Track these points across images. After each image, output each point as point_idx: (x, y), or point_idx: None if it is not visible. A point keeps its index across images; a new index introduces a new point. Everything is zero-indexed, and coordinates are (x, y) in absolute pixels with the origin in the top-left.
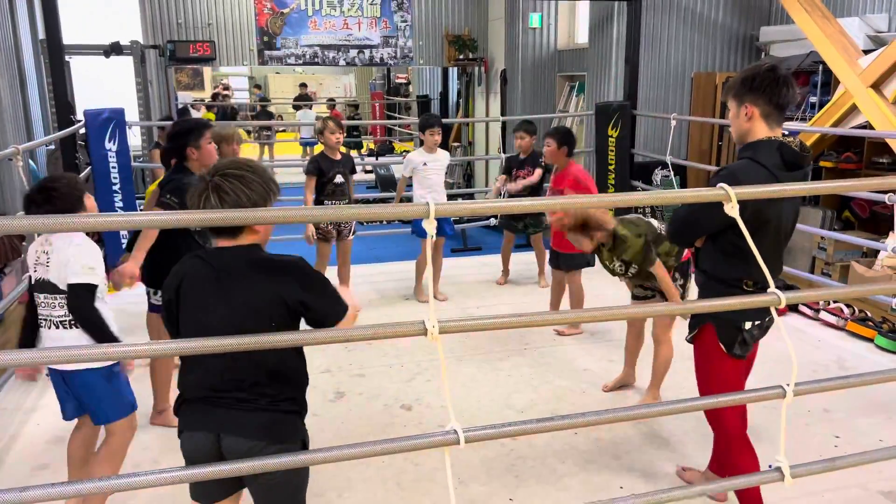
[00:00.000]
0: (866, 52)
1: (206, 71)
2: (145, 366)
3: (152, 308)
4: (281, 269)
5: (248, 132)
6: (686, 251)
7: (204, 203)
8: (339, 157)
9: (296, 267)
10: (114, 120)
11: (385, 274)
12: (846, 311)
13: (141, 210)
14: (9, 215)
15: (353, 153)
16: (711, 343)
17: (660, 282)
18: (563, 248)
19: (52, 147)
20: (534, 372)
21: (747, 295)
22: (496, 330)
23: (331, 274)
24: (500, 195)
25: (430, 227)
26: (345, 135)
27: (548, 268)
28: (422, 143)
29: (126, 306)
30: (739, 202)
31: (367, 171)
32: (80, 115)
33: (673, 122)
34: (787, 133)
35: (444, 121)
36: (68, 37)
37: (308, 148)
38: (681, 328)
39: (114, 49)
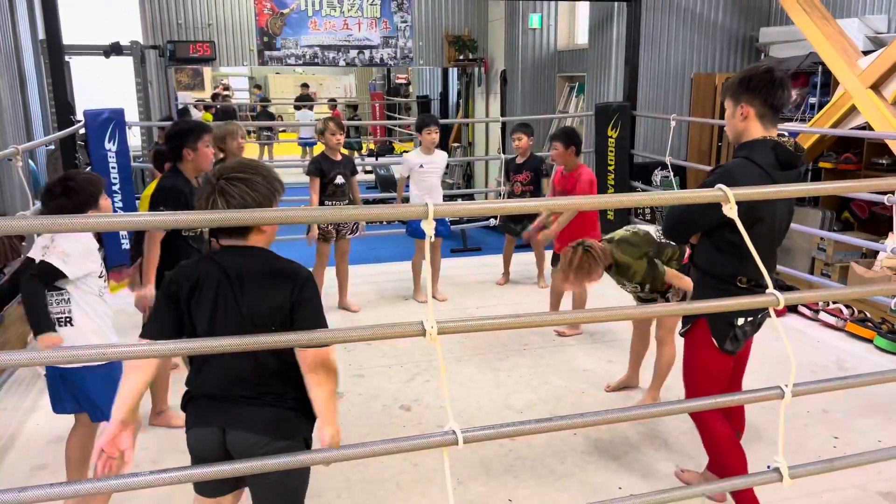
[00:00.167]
0: (866, 53)
1: (207, 71)
2: None
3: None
4: (290, 278)
5: (249, 132)
6: (685, 254)
7: (211, 207)
8: (339, 157)
9: (305, 280)
10: (113, 120)
11: (384, 274)
12: (845, 311)
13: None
14: (8, 216)
15: (354, 154)
16: (703, 337)
17: (676, 286)
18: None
19: (52, 147)
20: (533, 372)
21: (740, 292)
22: (495, 330)
23: (329, 273)
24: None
25: (428, 227)
26: (345, 136)
27: (548, 268)
28: (421, 143)
29: (126, 306)
30: (719, 185)
31: (366, 172)
32: (79, 116)
33: (672, 123)
34: (784, 134)
35: (444, 121)
36: (68, 37)
37: (307, 148)
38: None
39: (114, 49)
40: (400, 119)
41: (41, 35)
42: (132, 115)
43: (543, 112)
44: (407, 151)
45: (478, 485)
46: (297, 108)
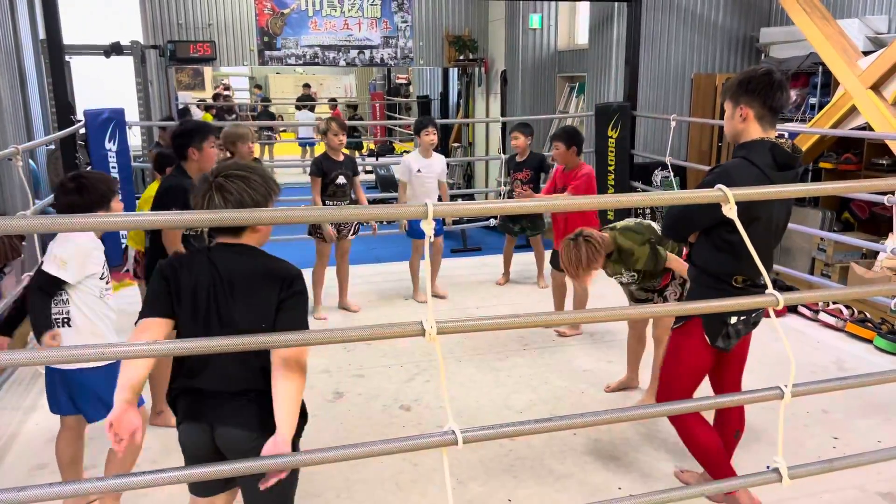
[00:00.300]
0: (866, 53)
1: (207, 71)
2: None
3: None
4: (279, 278)
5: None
6: (683, 252)
7: (208, 203)
8: (341, 158)
9: (293, 278)
10: (114, 120)
11: (384, 274)
12: (845, 312)
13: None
14: (8, 215)
15: (354, 154)
16: (695, 331)
17: (677, 272)
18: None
19: (53, 147)
20: (533, 372)
21: (736, 290)
22: (495, 330)
23: (330, 273)
24: None
25: (428, 228)
26: (347, 136)
27: (548, 268)
28: (420, 145)
29: (126, 306)
30: (719, 185)
31: (367, 172)
32: (80, 115)
33: (673, 123)
34: (783, 135)
35: (444, 121)
36: (68, 37)
37: (308, 147)
38: None
39: (114, 49)
40: (400, 119)
41: (41, 35)
42: (132, 115)
43: (544, 112)
44: (407, 151)
45: (477, 485)
46: (298, 108)
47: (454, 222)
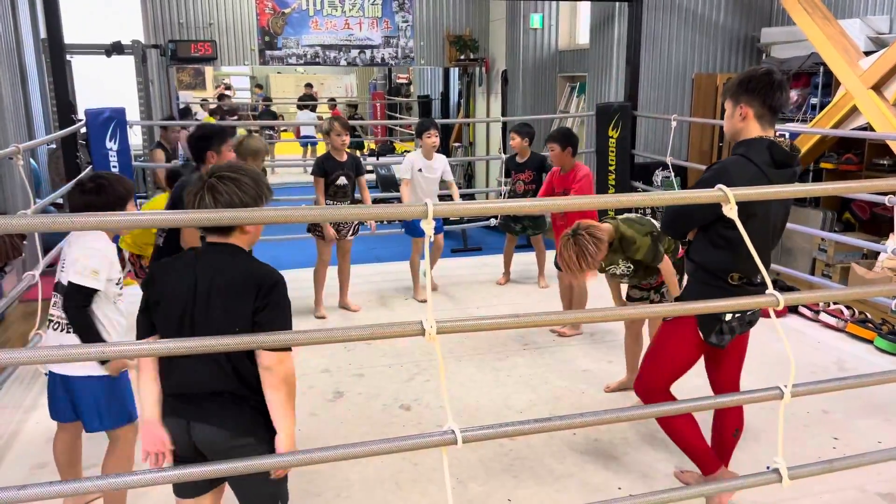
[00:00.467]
0: (867, 53)
1: (208, 71)
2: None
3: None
4: (256, 285)
5: (251, 132)
6: (681, 249)
7: (199, 202)
8: (344, 158)
9: (272, 286)
10: (115, 119)
11: (385, 274)
12: (846, 312)
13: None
14: (9, 214)
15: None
16: (689, 326)
17: (666, 277)
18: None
19: (54, 146)
20: (533, 372)
21: (732, 288)
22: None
23: (331, 273)
24: None
25: (427, 227)
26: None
27: (549, 268)
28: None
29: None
30: (720, 185)
31: (367, 171)
32: (81, 115)
33: (673, 123)
34: (784, 134)
35: (444, 121)
36: (70, 36)
37: (309, 146)
38: None
39: (115, 48)
40: (401, 119)
41: (43, 34)
42: (133, 114)
43: (544, 112)
44: (408, 151)
45: (477, 484)
46: (301, 108)
47: (454, 222)
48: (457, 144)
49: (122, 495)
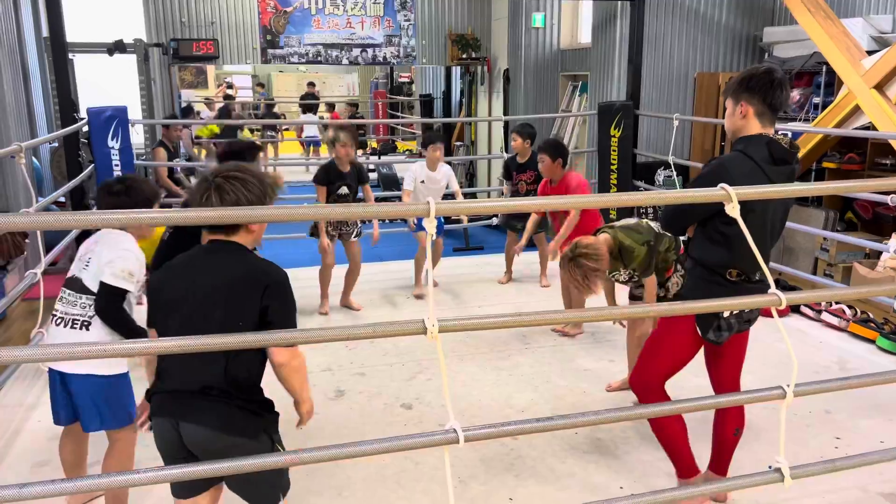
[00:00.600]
0: (870, 52)
1: (210, 69)
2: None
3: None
4: (261, 284)
5: (252, 131)
6: (680, 247)
7: (205, 202)
8: (347, 168)
9: (282, 285)
10: (117, 118)
11: (386, 273)
12: (848, 312)
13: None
14: (12, 212)
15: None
16: (687, 321)
17: (646, 290)
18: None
19: (56, 145)
20: (534, 371)
21: (731, 284)
22: (497, 329)
23: (338, 272)
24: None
25: (430, 226)
26: (356, 147)
27: (551, 268)
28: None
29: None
30: (721, 181)
31: (370, 170)
32: (83, 113)
33: (675, 123)
34: (787, 134)
35: (446, 120)
36: (72, 35)
37: (312, 146)
38: None
39: (117, 47)
40: (403, 118)
41: (45, 32)
42: (135, 112)
43: (546, 111)
44: (410, 150)
45: (479, 483)
46: (303, 108)
47: (456, 221)
48: (458, 143)
49: (123, 495)
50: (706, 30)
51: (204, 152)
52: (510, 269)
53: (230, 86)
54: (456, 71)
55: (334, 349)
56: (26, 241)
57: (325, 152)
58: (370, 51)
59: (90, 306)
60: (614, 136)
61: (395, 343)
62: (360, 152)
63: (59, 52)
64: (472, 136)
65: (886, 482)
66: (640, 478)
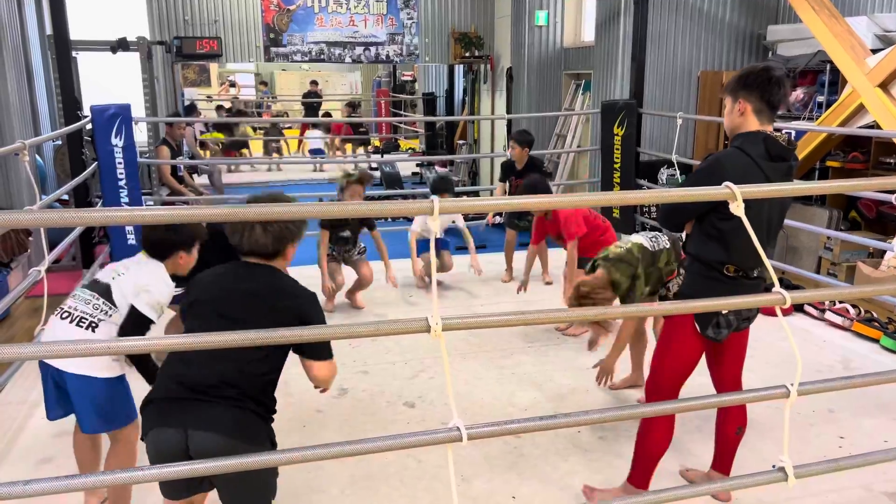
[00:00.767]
0: (874, 51)
1: (213, 67)
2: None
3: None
4: (291, 307)
5: (255, 129)
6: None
7: (249, 232)
8: None
9: (308, 302)
10: (120, 116)
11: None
12: (852, 311)
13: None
14: (15, 210)
15: (360, 150)
16: (686, 320)
17: (620, 327)
18: (580, 252)
19: (59, 142)
20: (537, 370)
21: (728, 280)
22: (500, 327)
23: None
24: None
25: (434, 225)
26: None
27: (552, 266)
28: None
29: None
30: (716, 176)
31: (372, 169)
32: (86, 111)
33: (679, 121)
34: (790, 133)
35: (449, 118)
36: (75, 32)
37: (318, 156)
38: None
39: (120, 45)
40: (405, 116)
41: (48, 30)
42: (139, 110)
43: (549, 109)
44: (412, 149)
45: (482, 482)
46: (306, 106)
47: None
48: (461, 142)
49: (126, 494)
50: (710, 28)
51: (208, 153)
52: (511, 266)
53: (233, 84)
54: (459, 69)
55: (337, 347)
56: (30, 238)
57: (328, 163)
58: (373, 49)
59: (104, 311)
60: (618, 135)
61: (397, 341)
62: (361, 150)
63: (62, 49)
64: (475, 135)
65: (890, 481)
66: None
